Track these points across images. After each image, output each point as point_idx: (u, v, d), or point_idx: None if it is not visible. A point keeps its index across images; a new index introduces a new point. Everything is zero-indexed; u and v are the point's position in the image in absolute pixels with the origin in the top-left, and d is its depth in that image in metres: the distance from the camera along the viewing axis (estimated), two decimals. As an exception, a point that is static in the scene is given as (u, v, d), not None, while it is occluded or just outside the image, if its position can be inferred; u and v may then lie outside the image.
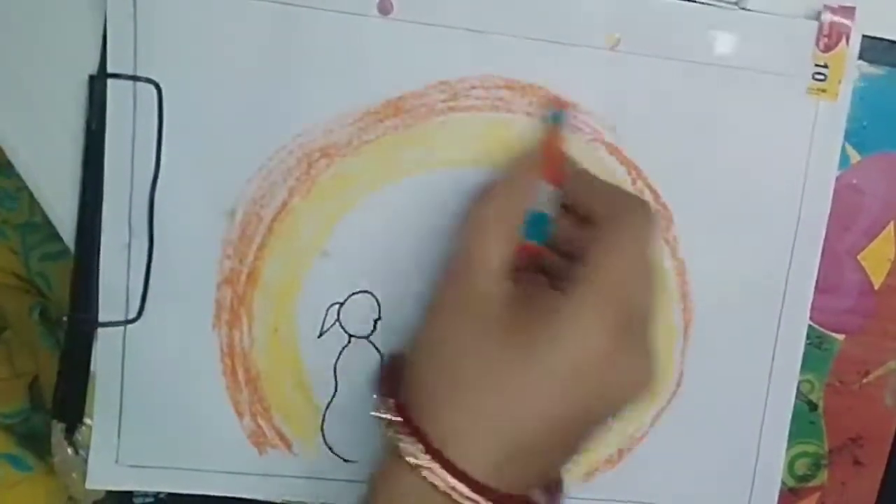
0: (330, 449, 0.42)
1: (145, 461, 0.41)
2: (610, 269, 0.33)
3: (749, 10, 0.39)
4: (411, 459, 0.32)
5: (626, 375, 0.33)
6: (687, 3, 0.39)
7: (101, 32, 0.38)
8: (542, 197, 0.37)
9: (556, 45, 0.39)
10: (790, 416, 0.43)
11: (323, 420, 0.42)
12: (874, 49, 0.40)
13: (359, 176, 0.40)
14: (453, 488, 0.31)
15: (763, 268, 0.42)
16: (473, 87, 0.39)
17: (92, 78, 0.38)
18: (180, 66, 0.38)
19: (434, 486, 0.31)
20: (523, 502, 0.33)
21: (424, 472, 0.31)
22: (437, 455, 0.32)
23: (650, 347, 0.34)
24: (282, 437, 0.42)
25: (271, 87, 0.38)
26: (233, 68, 0.38)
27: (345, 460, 0.42)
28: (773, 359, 0.43)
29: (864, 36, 0.40)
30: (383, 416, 0.33)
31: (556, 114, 0.39)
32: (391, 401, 0.34)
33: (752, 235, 0.41)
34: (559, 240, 0.37)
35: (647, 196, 0.41)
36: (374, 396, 0.35)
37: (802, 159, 0.41)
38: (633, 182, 0.41)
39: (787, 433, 0.43)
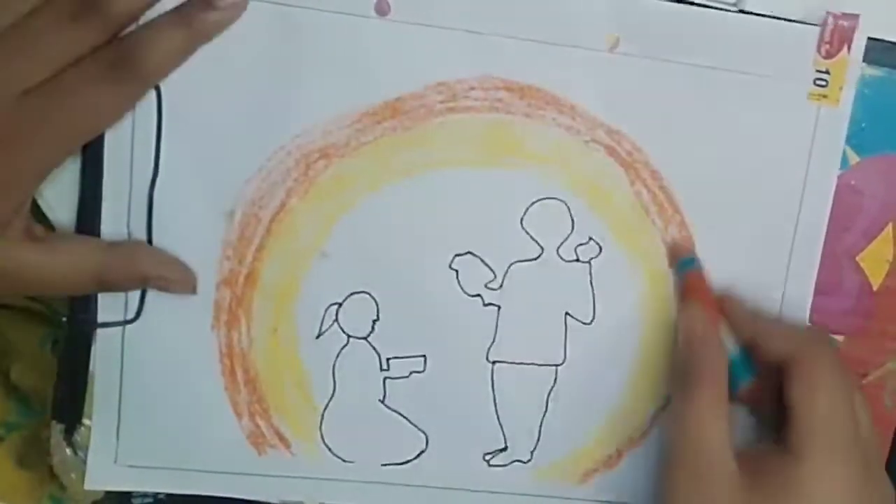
0: (329, 449, 0.42)
1: (144, 461, 0.42)
2: (818, 422, 0.35)
3: (749, 12, 0.39)
4: None
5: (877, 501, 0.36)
6: (687, 5, 0.39)
7: None
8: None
9: (554, 47, 0.39)
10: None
11: (321, 420, 0.42)
12: (873, 50, 0.40)
13: (357, 177, 0.40)
14: None
15: (762, 271, 0.42)
16: (472, 89, 0.39)
17: None
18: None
19: None
20: None
21: None
22: None
23: (885, 477, 0.36)
24: (281, 437, 0.42)
25: (269, 88, 0.38)
26: (231, 69, 0.38)
27: (343, 461, 0.42)
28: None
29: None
30: None
31: (685, 261, 0.40)
32: None
33: (751, 238, 0.41)
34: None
35: (645, 197, 0.41)
36: None
37: (802, 164, 0.41)
38: (632, 184, 0.41)
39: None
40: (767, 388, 0.38)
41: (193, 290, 0.40)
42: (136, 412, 0.41)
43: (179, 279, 0.39)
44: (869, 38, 0.40)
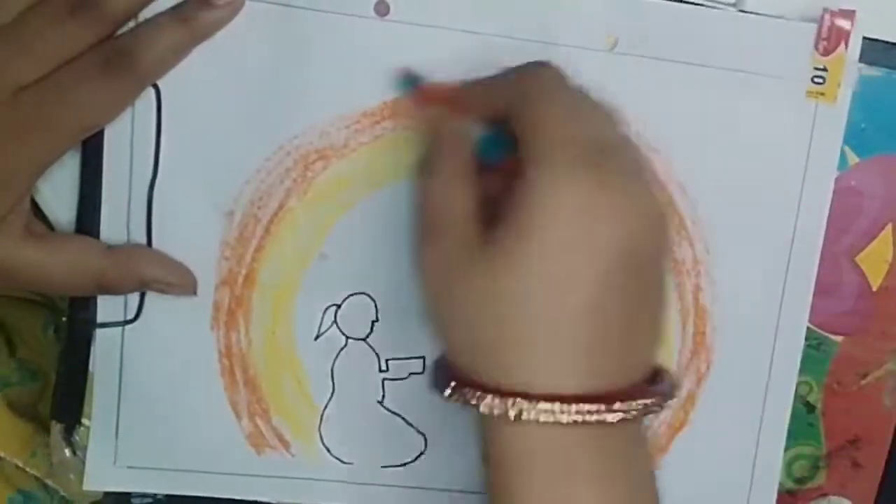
0: (328, 450, 0.42)
1: (143, 462, 0.41)
2: (542, 129, 0.32)
3: (747, 11, 0.39)
4: (514, 412, 0.30)
5: (620, 213, 0.31)
6: (686, 5, 0.39)
7: None
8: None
9: (553, 47, 0.39)
10: (788, 417, 0.43)
11: (321, 421, 0.42)
12: (872, 51, 0.40)
13: (356, 178, 0.40)
14: (577, 412, 0.30)
15: (761, 270, 0.42)
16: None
17: None
18: (179, 66, 0.38)
19: (558, 423, 0.30)
20: (640, 391, 0.32)
21: (540, 416, 0.30)
22: (531, 397, 0.30)
23: (640, 181, 0.32)
24: (280, 438, 0.42)
25: (268, 89, 0.39)
26: (230, 69, 0.38)
27: (343, 462, 0.42)
28: (771, 360, 0.43)
29: (863, 38, 0.40)
30: (453, 393, 0.32)
31: (407, 80, 0.39)
32: (450, 381, 0.33)
33: (749, 237, 0.41)
34: None
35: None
36: (434, 389, 0.34)
37: (801, 162, 0.41)
38: (631, 183, 0.40)
39: (785, 435, 0.43)
40: None
41: (193, 293, 0.40)
42: (135, 413, 0.41)
43: (179, 282, 0.40)
44: (868, 39, 0.40)
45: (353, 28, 0.38)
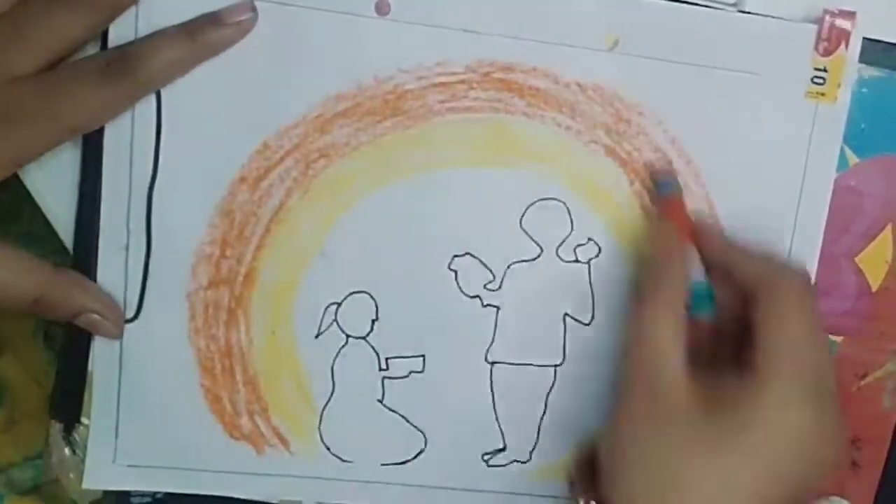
0: (328, 449, 0.42)
1: (143, 461, 0.42)
2: (787, 347, 0.34)
3: (747, 12, 0.39)
4: None
5: (822, 447, 0.34)
6: (686, 5, 0.39)
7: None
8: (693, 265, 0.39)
9: (554, 46, 0.39)
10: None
11: (320, 420, 0.42)
12: (872, 51, 0.40)
13: (357, 176, 0.40)
14: None
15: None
16: (471, 88, 0.39)
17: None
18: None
19: None
20: None
21: None
22: None
23: (838, 412, 0.35)
24: (280, 436, 0.42)
25: (269, 88, 0.38)
26: (230, 68, 0.38)
27: (342, 460, 0.42)
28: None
29: (863, 38, 0.40)
30: None
31: (666, 182, 0.40)
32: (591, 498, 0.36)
33: (749, 237, 0.41)
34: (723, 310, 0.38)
35: (644, 196, 0.41)
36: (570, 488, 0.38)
37: (800, 162, 0.41)
38: (631, 184, 0.41)
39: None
40: (729, 324, 0.38)
41: (118, 336, 0.40)
42: (134, 411, 0.41)
43: (111, 321, 0.39)
44: (868, 39, 0.40)
45: (355, 26, 0.38)
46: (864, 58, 0.40)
